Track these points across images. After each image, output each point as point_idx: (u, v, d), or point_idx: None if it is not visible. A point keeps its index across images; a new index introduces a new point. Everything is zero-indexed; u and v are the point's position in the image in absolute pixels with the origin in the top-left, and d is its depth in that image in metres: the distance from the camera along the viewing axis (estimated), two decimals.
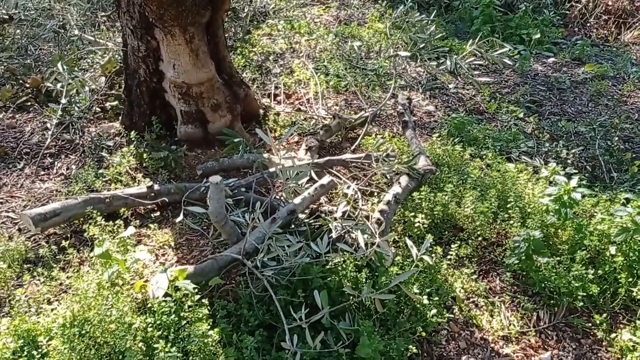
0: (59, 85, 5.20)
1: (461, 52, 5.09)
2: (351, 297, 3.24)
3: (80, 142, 4.98)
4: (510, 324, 3.40)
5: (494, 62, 4.81)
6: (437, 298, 3.36)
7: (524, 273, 3.70)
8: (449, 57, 4.64)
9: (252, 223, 3.02)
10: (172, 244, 3.86)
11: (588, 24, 8.86)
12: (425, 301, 3.27)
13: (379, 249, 3.25)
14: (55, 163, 4.80)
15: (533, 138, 5.53)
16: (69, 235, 3.94)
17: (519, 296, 3.57)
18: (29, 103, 5.61)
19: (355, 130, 5.34)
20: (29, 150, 4.93)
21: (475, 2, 8.70)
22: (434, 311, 3.24)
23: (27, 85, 5.76)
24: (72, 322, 3.00)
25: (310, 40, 7.82)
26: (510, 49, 4.92)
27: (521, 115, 5.99)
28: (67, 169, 4.73)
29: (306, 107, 5.91)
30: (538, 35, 7.95)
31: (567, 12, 9.10)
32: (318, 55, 7.32)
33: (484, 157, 4.89)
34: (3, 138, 5.08)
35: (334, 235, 3.41)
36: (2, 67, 6.14)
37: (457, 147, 4.88)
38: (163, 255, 3.80)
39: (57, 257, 3.71)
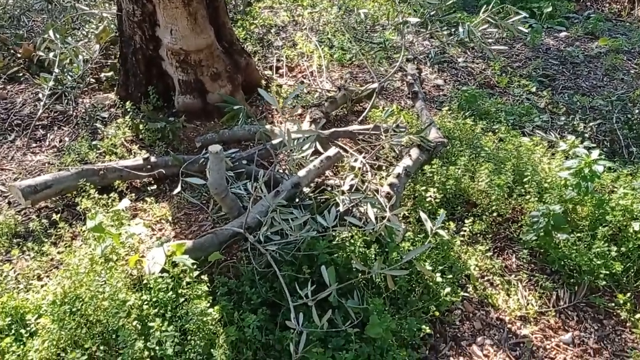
0: (51, 54, 4.96)
1: (472, 21, 4.83)
2: (360, 274, 3.04)
3: (74, 114, 4.76)
4: (527, 304, 3.21)
5: (508, 30, 4.54)
6: (450, 276, 3.17)
7: (542, 250, 3.50)
8: (462, 24, 4.38)
9: (254, 193, 2.80)
10: (170, 218, 3.66)
11: None
12: (439, 279, 3.07)
13: (389, 224, 3.05)
14: (48, 135, 4.58)
15: (547, 112, 5.29)
16: (61, 209, 3.74)
17: (536, 274, 3.37)
18: (21, 74, 5.37)
19: (361, 104, 5.11)
20: (20, 122, 4.71)
21: None
22: (447, 290, 3.05)
23: (19, 56, 5.52)
24: (63, 299, 2.82)
25: (314, 12, 7.54)
26: (526, 16, 4.63)
27: (534, 90, 5.76)
28: (60, 141, 4.51)
29: (309, 80, 5.67)
30: (550, 9, 7.68)
31: None
32: (321, 28, 7.06)
33: (496, 131, 4.67)
34: None
35: (341, 208, 3.20)
36: None
37: (468, 121, 4.66)
38: (160, 230, 3.60)
39: (48, 231, 3.51)
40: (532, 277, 3.38)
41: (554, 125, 5.04)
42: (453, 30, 4.84)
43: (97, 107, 4.75)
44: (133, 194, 3.78)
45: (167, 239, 3.42)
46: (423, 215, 2.85)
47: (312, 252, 3.04)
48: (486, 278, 3.38)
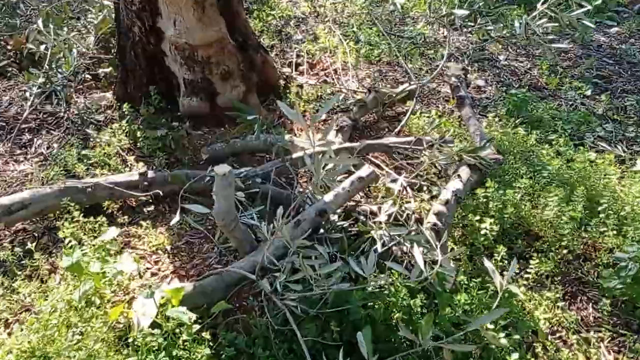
0: (42, 47, 4.35)
1: (522, 14, 4.16)
2: (404, 341, 2.40)
3: (65, 116, 4.15)
4: None
5: (570, 24, 3.85)
6: (517, 335, 2.50)
7: (627, 300, 2.82)
8: (518, 18, 3.70)
9: (272, 238, 2.16)
10: (168, 248, 3.04)
11: None
12: (503, 340, 2.41)
13: (441, 270, 2.39)
14: (34, 140, 3.98)
15: (609, 120, 4.58)
16: (40, 233, 3.15)
17: (621, 331, 2.70)
18: (10, 68, 4.77)
19: (394, 108, 4.44)
20: (4, 124, 4.11)
21: None
22: (515, 355, 2.38)
23: (9, 48, 4.92)
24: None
25: (337, 3, 6.87)
26: (589, 9, 3.93)
27: (588, 93, 5.04)
28: (48, 147, 3.91)
29: (333, 79, 5.01)
30: (598, 2, 6.91)
31: None
32: (346, 21, 6.38)
33: (553, 142, 3.98)
34: None
35: (379, 248, 2.55)
36: None
37: (520, 130, 3.98)
38: (156, 262, 2.98)
39: (23, 262, 2.91)
40: (615, 335, 2.71)
41: (620, 136, 4.34)
42: (502, 24, 4.16)
43: (91, 109, 4.13)
44: (126, 217, 3.16)
45: (161, 282, 2.80)
46: (489, 265, 2.18)
47: (343, 307, 2.39)
48: (557, 335, 2.72)
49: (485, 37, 4.29)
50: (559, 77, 5.32)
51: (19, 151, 3.90)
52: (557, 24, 3.92)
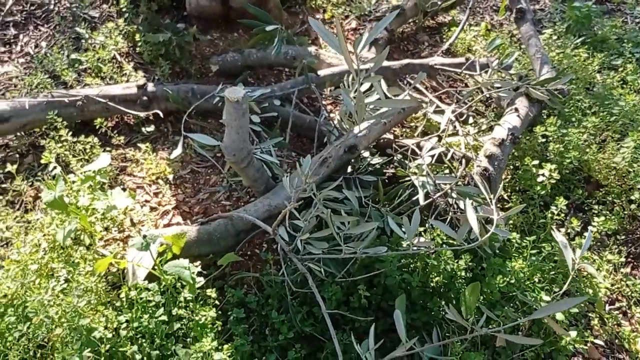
0: None
1: None
2: (442, 302, 2.03)
3: (56, 9, 3.58)
4: None
5: None
6: (574, 309, 2.12)
7: None
8: None
9: (295, 194, 1.72)
10: (170, 177, 2.62)
11: None
12: (559, 315, 2.04)
13: (496, 230, 1.96)
14: (20, 37, 3.45)
15: None
16: (24, 151, 2.73)
17: None
18: None
19: (436, 18, 3.82)
20: None
21: None
22: (573, 333, 2.02)
23: None
24: (6, 308, 1.90)
25: None
26: None
27: None
28: (36, 46, 3.39)
29: None
30: None
31: None
32: None
33: (618, 68, 3.42)
34: None
35: (420, 199, 2.12)
36: None
37: (581, 52, 3.40)
38: (156, 194, 2.58)
39: (3, 185, 2.53)
40: None
41: None
42: None
43: (84, 2, 3.55)
44: (122, 137, 2.72)
45: (161, 219, 2.42)
46: (560, 238, 1.75)
47: (374, 271, 2.00)
48: (618, 305, 2.35)
49: None
50: None
51: (2, 49, 3.39)
52: None
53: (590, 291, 2.27)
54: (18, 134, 2.76)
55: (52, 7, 3.60)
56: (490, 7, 4.15)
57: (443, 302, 2.01)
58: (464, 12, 4.02)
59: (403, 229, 1.84)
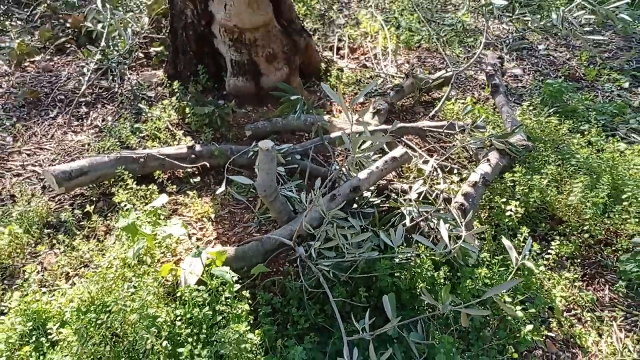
0: (99, 25, 4.64)
1: (561, 5, 4.22)
2: (425, 302, 2.59)
3: (119, 91, 4.44)
4: (624, 348, 2.68)
5: (606, 17, 3.90)
6: (532, 309, 2.67)
7: None
8: (555, 9, 3.78)
9: (310, 206, 2.38)
10: (212, 216, 3.29)
11: None
12: (519, 313, 2.58)
13: (464, 245, 2.57)
14: (90, 113, 4.28)
15: None
16: (96, 198, 3.44)
17: (635, 312, 2.84)
18: (69, 45, 5.09)
19: (430, 94, 4.59)
20: (63, 97, 4.43)
21: None
22: (529, 327, 2.56)
23: (68, 25, 5.24)
24: (89, 307, 2.50)
25: None
26: (627, 2, 3.97)
27: (626, 85, 5.07)
28: (103, 120, 4.20)
29: (373, 64, 5.17)
30: None
31: None
32: (388, 6, 6.52)
33: (585, 132, 4.07)
34: (38, 82, 4.59)
35: (407, 222, 2.74)
36: (45, 4, 5.63)
37: (553, 119, 4.08)
38: (201, 229, 3.24)
39: (81, 223, 3.22)
40: (629, 315, 2.85)
41: None
42: (540, 15, 4.24)
43: (143, 85, 4.41)
44: (174, 186, 3.43)
45: (207, 242, 3.06)
46: (507, 243, 2.35)
47: (372, 274, 2.61)
48: (573, 312, 2.87)
49: (524, 27, 4.37)
50: (598, 69, 5.35)
51: (76, 123, 4.20)
52: (594, 17, 3.99)
53: (549, 300, 2.81)
54: (92, 185, 3.49)
55: (116, 89, 4.46)
56: (478, 86, 4.91)
57: (426, 301, 2.57)
58: (456, 89, 4.79)
59: (391, 240, 2.46)
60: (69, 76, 4.67)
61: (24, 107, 4.29)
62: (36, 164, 3.76)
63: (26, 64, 4.85)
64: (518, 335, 2.58)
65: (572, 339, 2.74)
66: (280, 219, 2.96)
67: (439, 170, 3.18)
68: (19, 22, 5.50)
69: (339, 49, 5.50)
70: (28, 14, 5.49)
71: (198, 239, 3.17)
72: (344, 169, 3.17)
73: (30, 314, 2.52)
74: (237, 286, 2.56)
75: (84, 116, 4.25)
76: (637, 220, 3.12)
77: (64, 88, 4.51)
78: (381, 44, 5.49)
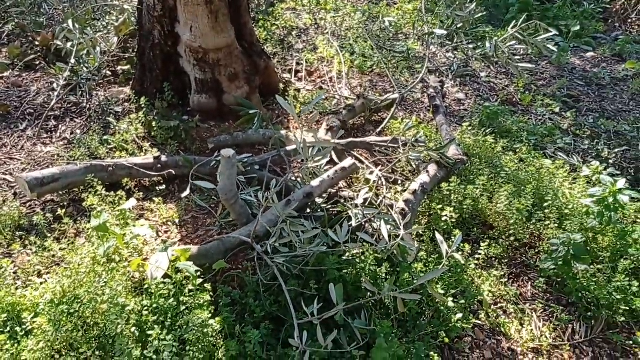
0: (69, 44, 4.89)
1: (499, 36, 4.70)
2: (368, 294, 2.92)
3: (87, 106, 4.68)
4: (541, 335, 3.07)
5: (537, 48, 4.40)
6: (463, 301, 3.04)
7: (559, 280, 3.36)
8: (489, 39, 4.25)
9: (265, 203, 2.70)
10: (177, 220, 3.56)
11: (630, 20, 8.38)
12: (450, 304, 2.94)
13: (402, 242, 2.93)
14: (59, 126, 4.50)
15: (570, 134, 5.14)
16: (66, 204, 3.66)
17: (552, 305, 3.23)
18: (37, 62, 5.31)
19: (380, 114, 4.99)
20: (32, 111, 4.64)
21: None
22: (459, 315, 2.92)
23: (37, 43, 5.45)
24: (61, 299, 2.73)
25: (337, 17, 7.44)
26: (555, 34, 4.48)
27: (557, 110, 5.60)
28: (72, 133, 4.43)
29: (328, 86, 5.56)
30: (577, 28, 7.51)
31: (608, 6, 8.61)
32: (344, 34, 6.95)
33: (517, 150, 4.53)
34: (7, 96, 4.79)
35: (353, 223, 3.08)
36: (13, 23, 5.83)
37: (489, 139, 4.52)
38: (166, 232, 3.51)
39: (52, 226, 3.44)
40: (547, 308, 3.24)
41: (577, 148, 4.89)
42: (479, 44, 4.72)
43: (111, 101, 4.67)
44: (141, 193, 3.69)
45: (172, 243, 3.32)
46: (439, 237, 2.72)
47: (321, 268, 2.93)
48: (499, 305, 3.25)
49: (466, 55, 4.83)
50: (533, 95, 5.88)
51: (45, 135, 4.42)
52: (524, 46, 4.48)
53: (478, 294, 3.18)
54: (62, 192, 3.71)
55: (85, 105, 4.69)
56: (424, 108, 5.35)
57: (369, 293, 2.90)
58: (404, 111, 5.22)
59: (338, 236, 2.80)
60: (37, 91, 4.88)
61: None
62: (7, 173, 3.96)
63: None
64: (450, 324, 2.94)
65: (497, 328, 3.11)
66: (240, 221, 3.26)
67: (383, 179, 3.55)
68: None
69: (297, 71, 5.87)
70: None
71: (163, 241, 3.42)
72: (298, 178, 3.50)
73: (5, 307, 2.73)
74: (200, 280, 2.83)
75: (53, 129, 4.47)
76: (556, 225, 3.55)
77: (34, 102, 4.72)
78: (336, 68, 5.89)
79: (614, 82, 6.44)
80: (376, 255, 3.02)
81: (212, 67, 4.25)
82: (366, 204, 3.36)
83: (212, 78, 4.31)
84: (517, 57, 4.25)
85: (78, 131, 4.43)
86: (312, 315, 2.58)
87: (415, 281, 2.96)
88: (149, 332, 2.54)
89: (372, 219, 3.09)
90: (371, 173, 3.65)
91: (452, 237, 3.26)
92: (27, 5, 6.13)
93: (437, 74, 6.06)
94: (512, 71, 5.36)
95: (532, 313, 3.20)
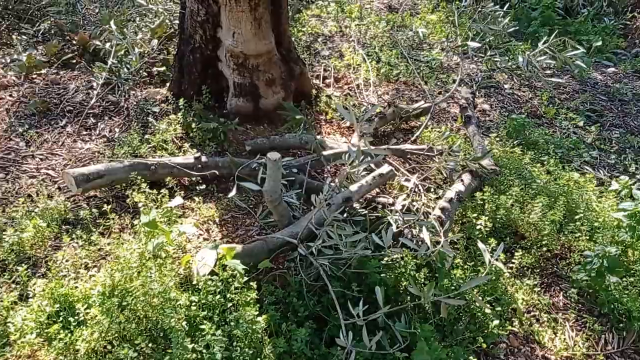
0: (107, 44, 5.01)
1: (528, 49, 4.80)
2: (409, 297, 3.01)
3: (125, 105, 4.79)
4: (574, 345, 3.15)
5: (564, 63, 4.50)
6: (498, 308, 3.12)
7: (591, 291, 3.44)
8: (522, 53, 4.35)
9: (317, 209, 2.79)
10: (217, 219, 3.66)
11: None
12: (487, 310, 3.03)
13: (442, 249, 3.01)
14: (98, 124, 4.61)
15: (595, 148, 5.23)
16: (110, 200, 3.76)
17: (584, 315, 3.32)
18: (74, 60, 5.43)
19: (409, 122, 5.09)
20: (72, 109, 4.75)
21: (535, 3, 8.35)
22: (496, 322, 3.00)
23: (74, 42, 5.58)
24: (112, 292, 2.82)
25: (361, 25, 7.55)
26: (584, 52, 4.57)
27: (581, 124, 5.69)
28: (110, 131, 4.54)
29: (356, 93, 5.66)
30: (599, 43, 7.59)
31: (628, 22, 8.69)
32: (368, 42, 7.06)
33: (544, 163, 4.62)
34: (47, 93, 4.90)
35: (394, 229, 3.17)
36: (50, 21, 5.96)
37: (517, 150, 4.62)
38: (207, 230, 3.61)
39: (97, 221, 3.54)
40: (579, 318, 3.33)
41: (603, 162, 4.98)
42: (509, 57, 4.81)
43: (148, 101, 4.78)
44: (182, 192, 3.79)
45: (219, 242, 3.42)
46: (481, 246, 2.81)
47: (362, 270, 3.02)
48: (532, 313, 3.33)
49: (493, 67, 4.93)
50: (556, 108, 5.96)
51: (85, 132, 4.53)
52: (554, 62, 4.58)
53: (512, 302, 3.27)
54: (105, 188, 3.82)
55: (123, 104, 4.81)
56: (451, 117, 5.44)
57: (409, 296, 3.00)
58: (431, 120, 5.31)
59: (382, 241, 2.89)
60: (76, 89, 4.99)
61: (34, 116, 4.59)
62: (49, 168, 4.07)
63: (34, 76, 5.16)
64: (486, 329, 3.02)
65: (531, 336, 3.19)
66: (282, 222, 3.35)
67: (420, 186, 3.65)
68: (23, 37, 5.81)
69: (324, 78, 5.97)
70: (33, 30, 5.81)
71: (205, 239, 3.53)
72: (336, 183, 3.59)
73: (57, 297, 2.83)
74: (245, 278, 2.93)
75: (92, 127, 4.58)
76: (587, 238, 3.64)
77: (72, 100, 4.84)
78: (363, 76, 5.99)
79: (636, 97, 6.51)
80: (415, 260, 3.11)
81: (251, 72, 4.36)
82: (404, 211, 3.45)
83: (250, 82, 4.42)
84: (549, 72, 4.34)
85: (117, 129, 4.54)
86: (358, 317, 2.67)
87: (453, 287, 3.06)
88: (201, 327, 2.63)
89: (413, 225, 3.18)
90: (407, 180, 3.75)
91: (487, 246, 3.36)
92: (62, 5, 6.26)
93: (462, 85, 6.16)
94: (542, 85, 5.45)
95: (564, 322, 3.28)
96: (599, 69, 7.38)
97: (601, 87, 6.76)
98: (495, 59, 4.59)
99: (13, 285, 3.06)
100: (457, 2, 6.39)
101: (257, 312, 2.72)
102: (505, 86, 6.40)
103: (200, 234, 3.57)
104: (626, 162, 4.90)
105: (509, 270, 3.37)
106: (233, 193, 3.30)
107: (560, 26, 8.04)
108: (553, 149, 4.88)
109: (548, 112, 5.86)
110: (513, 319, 3.25)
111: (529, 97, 6.22)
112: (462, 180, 3.77)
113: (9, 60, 5.26)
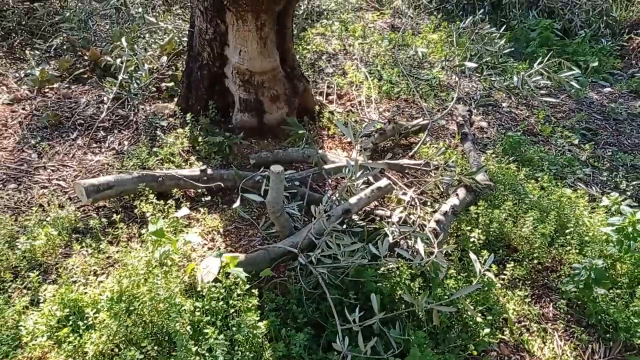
0: (118, 60, 5.20)
1: (522, 70, 4.97)
2: (403, 306, 3.15)
3: (134, 119, 4.97)
4: (563, 354, 3.27)
5: (560, 83, 4.66)
6: (490, 317, 3.25)
7: (580, 302, 3.57)
8: (517, 73, 4.52)
9: (315, 220, 2.94)
10: (221, 230, 3.81)
11: None
12: (479, 319, 3.16)
13: (436, 259, 3.16)
14: (108, 137, 4.79)
15: (589, 165, 5.37)
16: (119, 210, 3.92)
17: (573, 326, 3.44)
18: (86, 75, 5.63)
19: (408, 138, 5.25)
20: (82, 122, 4.94)
21: (534, 24, 8.55)
22: (486, 330, 3.13)
23: (86, 58, 5.78)
24: (120, 297, 2.96)
25: (364, 44, 7.76)
26: (579, 73, 4.74)
27: (576, 142, 5.84)
28: (119, 144, 4.71)
29: (358, 109, 5.84)
30: (596, 64, 7.77)
31: (625, 44, 8.88)
32: (371, 60, 7.25)
33: (539, 179, 4.76)
34: (58, 107, 5.09)
35: (390, 239, 3.32)
36: (63, 37, 6.18)
37: (512, 166, 4.77)
38: (211, 240, 3.76)
39: (106, 230, 3.69)
40: (568, 328, 3.45)
41: (596, 179, 5.12)
42: (506, 76, 4.98)
43: (157, 115, 4.96)
44: (188, 203, 3.95)
45: (223, 251, 3.57)
46: (472, 256, 2.95)
47: (359, 279, 3.16)
48: (523, 323, 3.46)
49: (491, 86, 5.10)
50: (552, 126, 6.12)
51: (95, 145, 4.70)
52: (550, 82, 4.74)
53: (504, 312, 3.40)
54: (114, 198, 3.98)
55: (132, 118, 4.99)
56: (449, 134, 5.60)
57: (403, 305, 3.13)
58: (430, 136, 5.48)
59: (378, 250, 3.04)
60: (87, 103, 5.18)
61: (46, 129, 4.77)
62: (60, 179, 4.23)
63: (46, 90, 5.35)
64: (477, 338, 3.15)
65: (521, 345, 3.31)
66: (283, 233, 3.51)
67: (416, 200, 3.80)
68: (36, 52, 6.02)
69: (327, 94, 6.15)
70: (46, 45, 6.02)
71: (209, 249, 3.68)
72: (336, 195, 3.75)
73: (67, 302, 2.98)
74: (248, 286, 3.07)
75: (102, 140, 4.76)
76: (577, 251, 3.78)
77: (83, 114, 5.02)
78: (365, 93, 6.17)
79: (630, 117, 6.67)
80: (410, 270, 3.25)
81: (256, 89, 4.54)
82: (400, 223, 3.60)
83: (255, 98, 4.60)
84: (542, 92, 4.50)
85: (126, 142, 4.72)
86: (354, 323, 2.82)
87: (447, 296, 3.19)
88: (205, 331, 2.77)
89: (408, 236, 3.32)
90: (404, 194, 3.90)
91: (479, 257, 3.50)
92: (75, 22, 6.48)
93: (461, 103, 6.33)
94: (537, 104, 5.61)
95: (553, 332, 3.40)
96: (595, 88, 7.54)
97: (597, 106, 6.92)
98: (492, 79, 4.75)
99: (25, 291, 3.20)
100: (457, 23, 6.59)
101: (258, 318, 2.85)
102: (503, 104, 6.57)
103: (205, 244, 3.72)
104: (617, 179, 5.04)
105: (501, 282, 3.50)
106: (237, 204, 3.45)
107: (559, 47, 8.23)
108: (547, 165, 5.03)
109: (544, 130, 6.01)
110: (504, 328, 3.37)
111: (526, 115, 6.38)
112: (457, 195, 3.92)
113: (22, 75, 5.46)
